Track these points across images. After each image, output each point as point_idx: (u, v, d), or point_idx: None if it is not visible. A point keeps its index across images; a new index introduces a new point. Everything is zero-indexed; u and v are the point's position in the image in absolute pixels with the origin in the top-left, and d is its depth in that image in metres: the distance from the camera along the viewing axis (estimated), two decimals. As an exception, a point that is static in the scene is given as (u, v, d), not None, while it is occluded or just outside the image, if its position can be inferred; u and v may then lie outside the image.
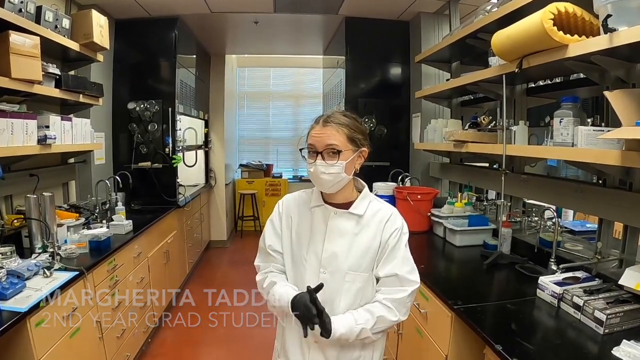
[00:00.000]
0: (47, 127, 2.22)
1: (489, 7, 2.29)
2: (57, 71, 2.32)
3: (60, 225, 2.27)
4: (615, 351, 1.20)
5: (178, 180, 3.86)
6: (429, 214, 2.78)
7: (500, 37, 1.80)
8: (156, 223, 3.15)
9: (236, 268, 4.90)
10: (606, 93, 1.34)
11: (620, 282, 1.44)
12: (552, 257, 1.87)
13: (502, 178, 2.06)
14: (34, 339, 1.56)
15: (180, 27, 3.83)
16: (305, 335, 1.13)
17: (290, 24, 4.28)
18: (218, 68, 5.52)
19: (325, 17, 3.87)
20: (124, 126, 3.69)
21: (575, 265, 1.75)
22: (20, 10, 2.04)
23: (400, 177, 3.49)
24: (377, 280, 1.25)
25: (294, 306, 1.15)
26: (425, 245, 2.62)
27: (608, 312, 1.33)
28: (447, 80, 2.94)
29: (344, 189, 1.24)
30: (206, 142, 5.26)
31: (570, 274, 1.66)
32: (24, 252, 2.09)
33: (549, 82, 2.18)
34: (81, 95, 2.60)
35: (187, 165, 4.21)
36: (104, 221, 2.73)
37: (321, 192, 1.28)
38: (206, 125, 5.29)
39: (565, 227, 2.31)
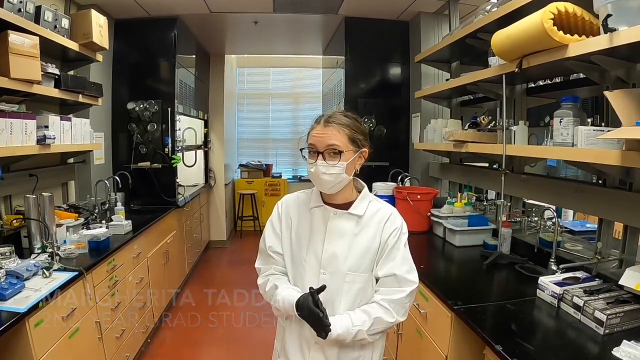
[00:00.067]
0: (47, 127, 2.21)
1: (488, 7, 2.29)
2: (57, 71, 2.31)
3: (59, 225, 2.27)
4: (616, 351, 1.20)
5: (177, 180, 3.86)
6: (429, 214, 2.78)
7: (500, 37, 1.80)
8: (155, 223, 3.15)
9: (236, 268, 4.90)
10: (606, 93, 1.34)
11: (621, 282, 1.44)
12: (552, 257, 1.87)
13: (502, 178, 2.06)
14: (33, 340, 1.56)
15: (180, 27, 3.82)
16: (324, 337, 1.12)
17: (290, 24, 4.28)
18: (217, 68, 5.51)
19: (325, 17, 3.87)
20: (123, 126, 3.69)
21: (575, 265, 1.75)
22: (19, 10, 2.03)
23: (399, 177, 3.49)
24: (377, 280, 1.24)
25: (298, 307, 1.15)
26: (425, 245, 2.62)
27: (608, 312, 1.32)
28: (447, 80, 2.94)
29: (343, 189, 1.24)
30: (206, 142, 5.26)
31: (570, 274, 1.66)
32: (23, 253, 2.09)
33: (549, 82, 2.17)
34: (80, 95, 2.60)
35: (186, 166, 4.20)
36: (104, 221, 2.73)
37: (321, 193, 1.27)
38: (206, 125, 5.29)
39: (565, 227, 2.30)
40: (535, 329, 1.44)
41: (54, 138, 2.24)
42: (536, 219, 2.28)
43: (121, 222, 2.67)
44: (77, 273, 1.90)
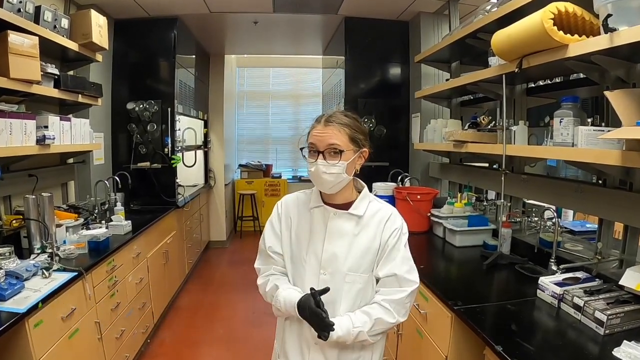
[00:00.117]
0: (46, 127, 2.21)
1: (488, 7, 2.29)
2: (56, 71, 2.31)
3: (59, 225, 2.27)
4: (616, 352, 1.20)
5: (177, 180, 3.85)
6: (429, 214, 2.78)
7: (500, 37, 1.80)
8: (155, 223, 3.15)
9: (235, 268, 4.90)
10: (606, 93, 1.34)
11: (621, 282, 1.44)
12: (552, 257, 1.87)
13: (502, 178, 2.06)
14: (33, 340, 1.55)
15: (180, 27, 3.82)
16: (325, 339, 1.12)
17: (290, 24, 4.28)
18: (217, 68, 5.51)
19: (325, 17, 3.87)
20: (123, 126, 3.68)
21: (575, 265, 1.75)
22: (19, 10, 2.03)
23: (399, 177, 3.49)
24: (377, 280, 1.24)
25: (300, 308, 1.15)
26: (425, 245, 2.62)
27: (608, 312, 1.32)
28: (447, 80, 2.94)
29: (343, 189, 1.24)
30: (205, 142, 5.25)
31: (570, 275, 1.66)
32: (22, 253, 2.09)
33: (549, 82, 2.17)
34: (80, 95, 2.60)
35: (186, 166, 4.20)
36: (103, 221, 2.73)
37: (320, 193, 1.27)
38: (205, 126, 5.28)
39: (565, 228, 2.30)
40: (536, 329, 1.44)
41: (54, 138, 2.24)
42: (536, 219, 2.28)
43: (121, 223, 2.67)
44: (76, 273, 1.90)
